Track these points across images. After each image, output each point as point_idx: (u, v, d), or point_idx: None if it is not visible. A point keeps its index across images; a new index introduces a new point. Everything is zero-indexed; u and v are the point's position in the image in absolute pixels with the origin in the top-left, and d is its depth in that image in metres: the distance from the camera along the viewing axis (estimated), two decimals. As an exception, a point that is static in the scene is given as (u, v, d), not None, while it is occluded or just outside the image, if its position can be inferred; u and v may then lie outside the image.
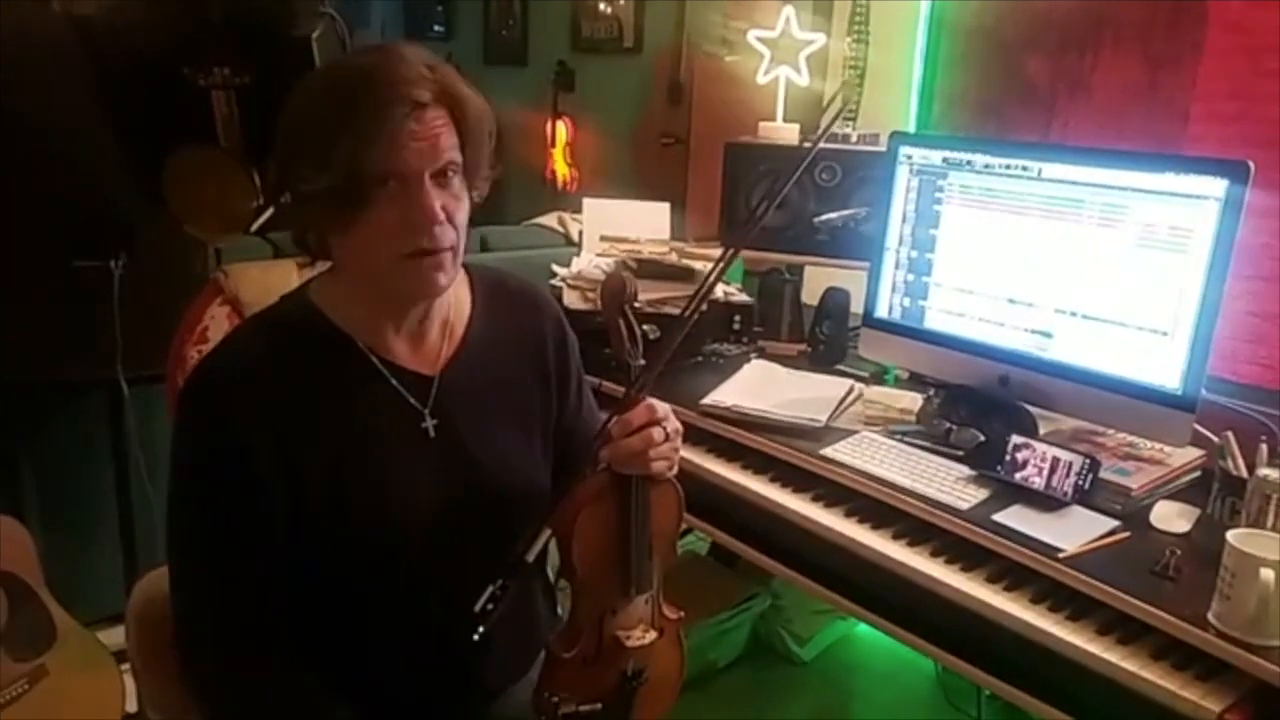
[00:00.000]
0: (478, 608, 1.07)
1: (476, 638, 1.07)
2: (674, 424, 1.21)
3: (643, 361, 1.19)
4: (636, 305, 1.23)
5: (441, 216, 1.07)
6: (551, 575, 1.44)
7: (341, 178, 1.03)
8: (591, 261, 2.17)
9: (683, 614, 1.34)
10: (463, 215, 1.11)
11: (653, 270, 2.10)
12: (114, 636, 1.91)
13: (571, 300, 2.04)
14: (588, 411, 1.39)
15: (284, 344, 1.14)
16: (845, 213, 2.10)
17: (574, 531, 1.19)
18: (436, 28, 5.69)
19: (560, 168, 4.94)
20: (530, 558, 1.11)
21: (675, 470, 1.25)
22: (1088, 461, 1.48)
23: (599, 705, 1.24)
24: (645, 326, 1.23)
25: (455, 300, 1.24)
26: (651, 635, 1.26)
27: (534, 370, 1.29)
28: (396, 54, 1.07)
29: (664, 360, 1.17)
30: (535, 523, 1.13)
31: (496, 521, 1.17)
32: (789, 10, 2.24)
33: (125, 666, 1.79)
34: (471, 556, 1.12)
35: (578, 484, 1.19)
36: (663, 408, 1.19)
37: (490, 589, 1.08)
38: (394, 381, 1.17)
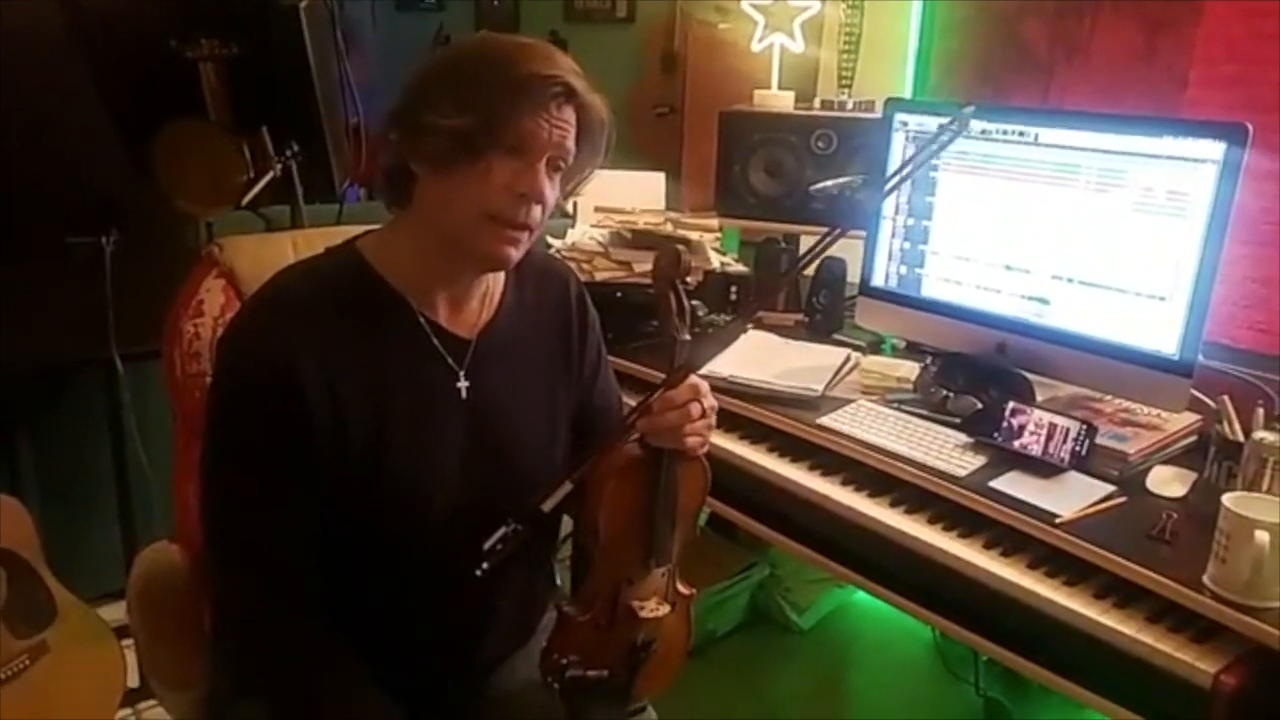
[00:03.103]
0: (487, 545, 1.10)
1: (480, 574, 1.10)
2: (710, 401, 1.22)
3: (688, 337, 1.18)
4: (687, 282, 1.21)
5: (543, 197, 1.11)
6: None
7: (478, 121, 1.06)
8: (586, 233, 2.16)
9: (694, 591, 1.35)
10: (551, 205, 1.15)
11: (648, 241, 2.08)
12: (114, 612, 1.91)
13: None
14: (605, 385, 1.40)
15: (330, 290, 1.15)
16: (841, 180, 2.08)
17: (602, 499, 1.20)
18: (427, -1, 5.61)
19: (554, 140, 4.89)
20: (547, 507, 1.12)
21: (706, 448, 1.25)
22: (1084, 427, 1.48)
23: (605, 672, 1.25)
24: (693, 302, 1.22)
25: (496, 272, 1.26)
26: (665, 609, 1.26)
27: (558, 343, 1.31)
28: (553, 46, 1.14)
29: (724, 346, 1.18)
30: (559, 477, 1.15)
31: (512, 490, 1.18)
32: (783, -24, 2.22)
33: (126, 642, 1.80)
34: (484, 523, 1.12)
35: (609, 451, 1.20)
36: (702, 385, 1.20)
37: (503, 529, 1.11)
38: (435, 341, 1.18)
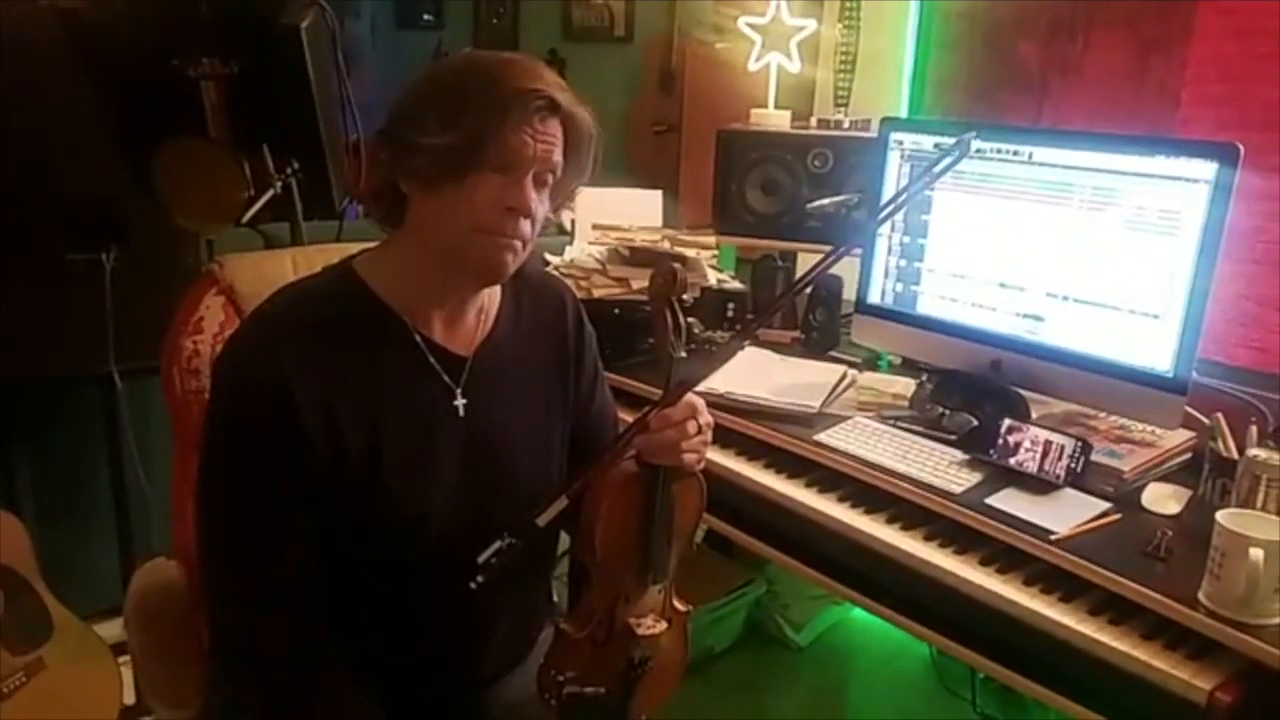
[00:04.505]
0: (481, 559, 1.10)
1: (474, 586, 1.10)
2: (707, 418, 1.22)
3: (684, 354, 1.19)
4: (684, 299, 1.22)
5: (532, 210, 1.12)
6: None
7: (464, 139, 1.08)
8: (584, 250, 2.17)
9: (691, 608, 1.35)
10: (540, 219, 1.16)
11: (645, 258, 2.09)
12: (111, 629, 1.91)
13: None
14: (601, 402, 1.40)
15: (325, 309, 1.16)
16: (837, 199, 2.10)
17: (599, 515, 1.20)
18: (426, 16, 5.65)
19: (552, 157, 4.91)
20: (542, 522, 1.13)
21: (703, 464, 1.26)
22: (1079, 444, 1.49)
23: (602, 689, 1.25)
24: (689, 319, 1.23)
25: (492, 288, 1.26)
26: (662, 625, 1.27)
27: (554, 359, 1.32)
28: (537, 60, 1.16)
29: (719, 365, 1.20)
30: (553, 492, 1.15)
31: (509, 506, 1.18)
32: (779, -4, 2.24)
33: (123, 659, 1.80)
34: (480, 538, 1.13)
35: (605, 468, 1.20)
36: (699, 402, 1.21)
37: (498, 543, 1.11)
38: (431, 358, 1.19)
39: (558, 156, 1.14)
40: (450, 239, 1.13)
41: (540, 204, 1.14)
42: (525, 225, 1.13)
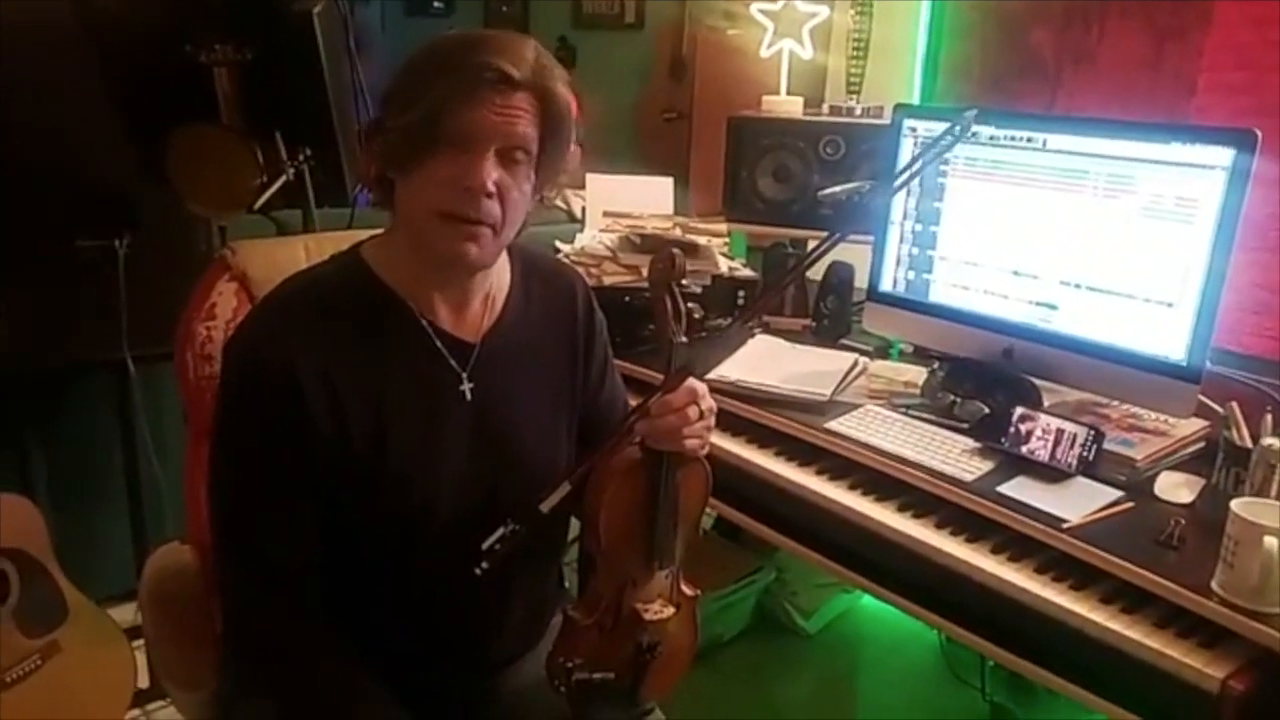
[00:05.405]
0: (485, 545, 1.10)
1: (479, 571, 1.10)
2: (709, 403, 1.21)
3: (685, 339, 1.18)
4: (684, 283, 1.21)
5: (491, 190, 1.09)
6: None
7: (421, 118, 1.07)
8: (595, 237, 2.17)
9: (699, 592, 1.35)
10: (517, 198, 1.12)
11: (656, 245, 2.09)
12: (124, 613, 1.93)
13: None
14: (610, 389, 1.40)
15: (333, 295, 1.16)
16: (849, 186, 2.09)
17: (603, 501, 1.20)
18: (436, 4, 5.64)
19: (563, 144, 4.90)
20: (545, 509, 1.13)
21: (706, 450, 1.26)
22: (1092, 433, 1.49)
23: (611, 675, 1.26)
24: (690, 305, 1.22)
25: (499, 274, 1.26)
26: (669, 610, 1.27)
27: (564, 347, 1.32)
28: (514, 35, 1.13)
29: (729, 349, 1.18)
30: (557, 478, 1.15)
31: (517, 492, 1.18)
32: (792, -18, 2.23)
33: (137, 643, 1.81)
34: (488, 524, 1.13)
35: (609, 455, 1.20)
36: (700, 387, 1.20)
37: (501, 530, 1.11)
38: (438, 343, 1.19)
39: (526, 130, 1.09)
40: (418, 223, 1.12)
41: (515, 184, 1.11)
42: (490, 206, 1.10)
